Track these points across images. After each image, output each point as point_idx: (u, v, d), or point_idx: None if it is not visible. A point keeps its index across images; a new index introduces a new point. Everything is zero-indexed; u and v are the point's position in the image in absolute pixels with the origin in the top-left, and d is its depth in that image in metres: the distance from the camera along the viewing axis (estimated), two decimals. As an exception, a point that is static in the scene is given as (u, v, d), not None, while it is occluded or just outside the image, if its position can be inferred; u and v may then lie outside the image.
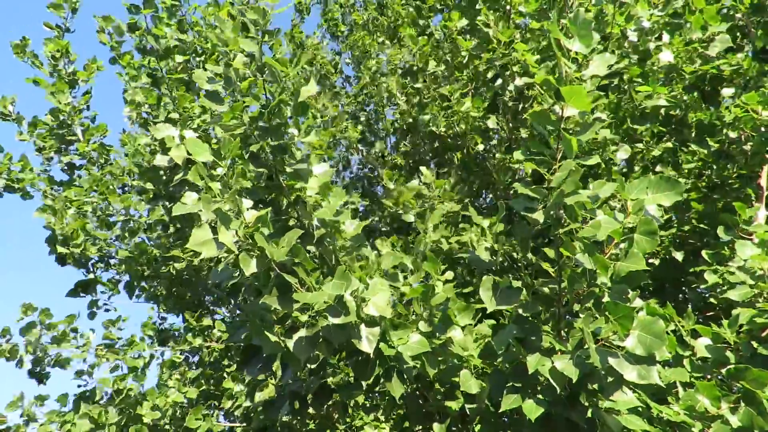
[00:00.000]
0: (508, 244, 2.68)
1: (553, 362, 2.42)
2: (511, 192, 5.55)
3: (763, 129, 4.16)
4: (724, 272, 3.85)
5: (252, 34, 2.52)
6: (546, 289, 2.73)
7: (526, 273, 2.74)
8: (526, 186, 2.47)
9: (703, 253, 4.10)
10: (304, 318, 2.45)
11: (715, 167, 4.41)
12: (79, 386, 4.86)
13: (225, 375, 4.80)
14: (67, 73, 5.03)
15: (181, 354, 5.15)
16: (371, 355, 2.43)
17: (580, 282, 2.64)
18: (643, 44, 4.01)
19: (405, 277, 2.76)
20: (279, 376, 2.88)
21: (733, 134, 4.34)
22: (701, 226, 4.32)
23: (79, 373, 4.85)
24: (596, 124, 2.42)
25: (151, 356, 4.82)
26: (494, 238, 2.68)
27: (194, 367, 5.19)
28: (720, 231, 4.00)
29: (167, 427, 4.30)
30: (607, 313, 2.33)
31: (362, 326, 2.41)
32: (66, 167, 5.15)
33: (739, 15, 4.76)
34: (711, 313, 4.41)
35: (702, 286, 4.22)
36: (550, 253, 2.59)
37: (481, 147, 5.70)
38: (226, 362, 4.95)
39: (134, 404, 4.22)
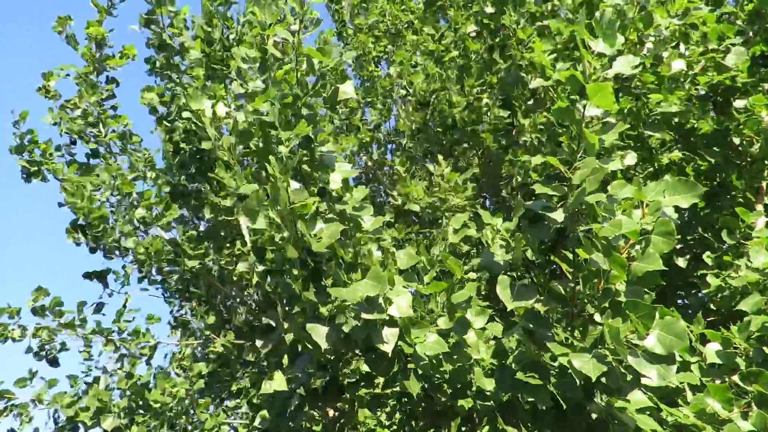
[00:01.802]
0: (524, 244, 2.67)
1: (569, 360, 2.42)
2: (514, 193, 5.56)
3: None
4: (726, 276, 3.89)
5: (290, 22, 2.51)
6: (561, 290, 2.72)
7: (541, 274, 2.73)
8: (546, 184, 2.47)
9: (705, 256, 4.14)
10: (324, 310, 2.45)
11: (721, 174, 4.46)
12: (83, 372, 4.86)
13: (233, 371, 4.79)
14: (96, 59, 5.07)
15: (190, 349, 5.14)
16: (389, 354, 2.44)
17: (594, 282, 2.64)
18: (659, 52, 4.04)
19: (419, 276, 2.77)
20: (287, 367, 2.85)
21: (736, 139, 4.41)
22: (705, 234, 4.36)
23: (86, 354, 4.84)
24: (619, 125, 2.43)
25: (154, 346, 4.80)
26: (510, 237, 2.68)
27: (202, 361, 5.16)
28: (724, 234, 4.04)
29: (175, 416, 4.27)
30: (627, 312, 2.33)
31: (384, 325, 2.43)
32: (89, 153, 5.20)
33: (739, 22, 4.84)
34: (711, 319, 4.44)
35: (703, 291, 4.26)
36: (567, 254, 2.59)
37: (494, 145, 5.68)
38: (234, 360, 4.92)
39: (142, 391, 4.22)
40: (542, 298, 2.64)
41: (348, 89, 2.65)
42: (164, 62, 4.58)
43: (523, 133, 5.44)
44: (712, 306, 4.27)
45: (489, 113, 5.57)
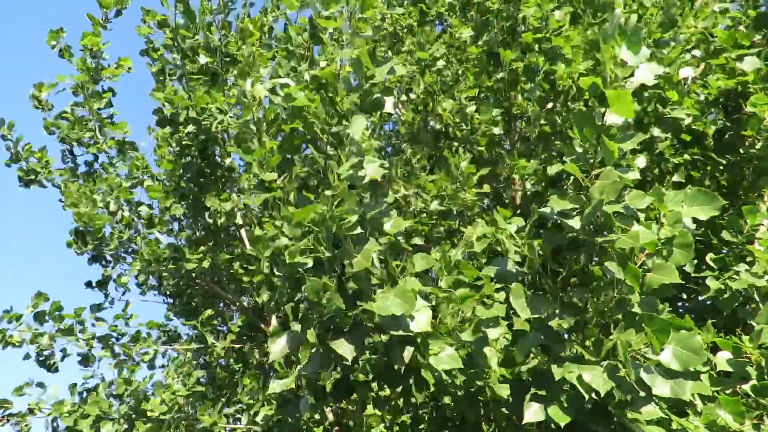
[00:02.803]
0: (538, 250, 2.62)
1: (580, 373, 2.39)
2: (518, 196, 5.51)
3: None
4: (726, 278, 3.86)
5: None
6: (574, 299, 2.68)
7: (554, 281, 2.69)
8: (561, 195, 2.42)
9: (708, 257, 4.11)
10: (346, 320, 2.45)
11: (727, 175, 4.44)
12: (84, 378, 4.82)
13: (235, 372, 4.78)
14: (93, 68, 5.11)
15: (186, 352, 5.12)
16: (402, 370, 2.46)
17: (607, 291, 2.60)
18: (674, 58, 3.99)
19: (435, 281, 2.75)
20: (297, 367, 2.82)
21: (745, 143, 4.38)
22: (709, 236, 4.33)
23: (85, 361, 4.81)
24: (638, 135, 2.37)
25: (155, 351, 4.78)
26: (524, 246, 2.62)
27: (200, 367, 5.16)
28: (726, 235, 4.01)
29: (174, 423, 4.25)
30: (642, 325, 2.29)
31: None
32: (87, 161, 5.30)
33: (742, 27, 4.81)
34: (712, 322, 4.42)
35: (704, 296, 4.22)
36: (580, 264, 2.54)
37: (486, 154, 5.65)
38: (233, 363, 4.93)
39: (140, 399, 4.20)
40: (556, 310, 2.60)
41: (388, 104, 2.66)
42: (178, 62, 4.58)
43: (532, 126, 5.35)
44: (713, 308, 4.26)
45: (479, 121, 5.51)
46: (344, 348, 2.44)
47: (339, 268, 2.55)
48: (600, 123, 2.33)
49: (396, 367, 2.63)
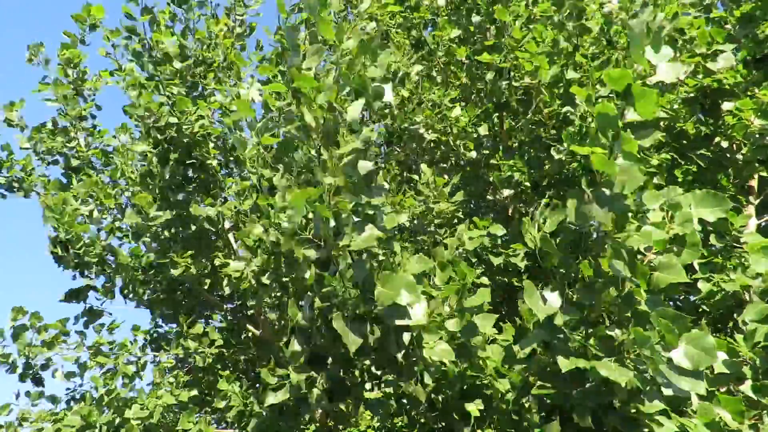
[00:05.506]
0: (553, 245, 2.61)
1: (594, 366, 2.38)
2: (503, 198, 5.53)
3: (758, 135, 4.30)
4: (718, 280, 3.95)
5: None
6: (579, 295, 2.68)
7: (563, 278, 2.68)
8: (588, 186, 2.40)
9: (696, 264, 4.19)
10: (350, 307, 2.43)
11: (710, 176, 4.55)
12: (68, 389, 4.71)
13: (219, 377, 4.70)
14: (74, 79, 5.16)
15: (173, 358, 4.99)
16: (400, 358, 2.44)
17: (611, 289, 2.61)
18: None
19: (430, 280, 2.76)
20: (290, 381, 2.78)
21: (724, 143, 4.50)
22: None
23: (68, 375, 4.67)
24: (656, 132, 2.38)
25: (144, 362, 4.66)
26: (541, 239, 2.61)
27: (185, 372, 5.03)
28: (712, 239, 4.10)
29: (158, 429, 4.12)
30: (652, 321, 2.30)
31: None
32: (66, 170, 5.28)
33: (728, 26, 4.92)
34: (704, 322, 4.51)
35: (695, 297, 4.31)
36: (586, 267, 2.54)
37: (473, 154, 5.64)
38: (219, 366, 4.84)
39: (123, 406, 4.07)
40: (563, 306, 2.59)
41: (387, 92, 2.61)
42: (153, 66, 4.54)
43: (509, 137, 5.42)
44: (704, 309, 4.35)
45: (464, 124, 5.51)
46: (350, 338, 2.41)
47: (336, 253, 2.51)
48: (620, 121, 2.32)
49: (396, 355, 2.60)
